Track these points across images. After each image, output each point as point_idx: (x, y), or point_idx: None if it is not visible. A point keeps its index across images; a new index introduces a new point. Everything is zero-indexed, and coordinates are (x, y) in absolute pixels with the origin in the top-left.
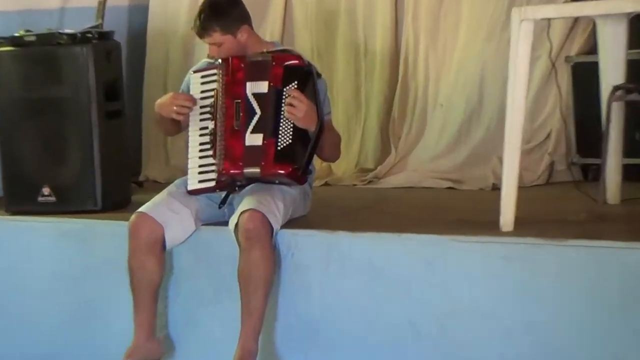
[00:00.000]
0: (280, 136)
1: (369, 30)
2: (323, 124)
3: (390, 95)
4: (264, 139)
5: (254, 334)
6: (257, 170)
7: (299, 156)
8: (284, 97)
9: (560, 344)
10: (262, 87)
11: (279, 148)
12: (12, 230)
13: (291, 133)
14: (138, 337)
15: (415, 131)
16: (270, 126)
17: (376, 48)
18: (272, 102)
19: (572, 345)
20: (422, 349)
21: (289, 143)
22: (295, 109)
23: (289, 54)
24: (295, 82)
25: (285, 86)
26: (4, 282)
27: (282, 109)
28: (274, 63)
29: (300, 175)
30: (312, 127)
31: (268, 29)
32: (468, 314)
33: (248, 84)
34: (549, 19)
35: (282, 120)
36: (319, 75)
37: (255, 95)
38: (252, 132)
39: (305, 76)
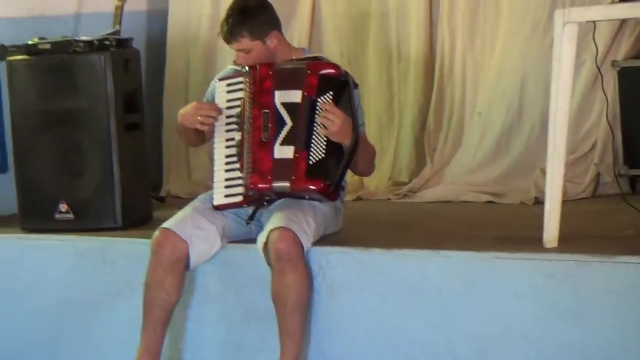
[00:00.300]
0: (312, 149)
1: (402, 33)
2: (358, 139)
3: (425, 104)
4: (295, 151)
5: (295, 357)
6: (287, 184)
7: (331, 171)
8: (318, 108)
9: None
10: (295, 96)
11: (310, 162)
12: (27, 250)
13: (324, 147)
14: (141, 358)
15: (452, 142)
16: (302, 138)
17: (410, 52)
18: (305, 113)
19: None
20: None
21: (322, 157)
22: (330, 121)
23: (321, 61)
24: (331, 93)
25: (319, 96)
26: (19, 304)
27: (316, 120)
28: (309, 71)
29: (332, 191)
30: (346, 142)
31: (295, 33)
32: (509, 337)
33: (277, 93)
34: (594, 22)
35: (315, 133)
36: (355, 85)
37: (285, 104)
38: (282, 144)
39: (341, 86)
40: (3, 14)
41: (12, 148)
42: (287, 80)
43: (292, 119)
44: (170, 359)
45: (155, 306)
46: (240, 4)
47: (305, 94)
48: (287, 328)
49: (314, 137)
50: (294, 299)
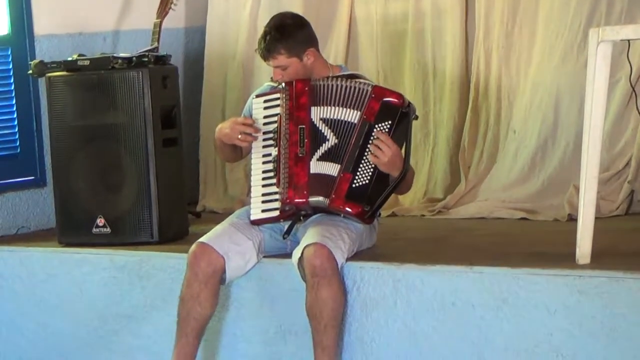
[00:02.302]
0: (358, 174)
1: (438, 51)
2: (407, 172)
3: (460, 121)
4: (340, 171)
5: None
6: (325, 200)
7: (372, 198)
8: (373, 134)
9: None
10: (351, 115)
11: (354, 185)
12: (64, 263)
13: (370, 173)
14: None
15: (487, 159)
16: (350, 160)
17: (446, 69)
18: (359, 136)
19: None
20: None
21: (365, 183)
22: (381, 152)
23: (364, 80)
24: (389, 122)
25: (377, 123)
26: (56, 317)
27: (368, 147)
28: (373, 95)
29: (369, 216)
30: (394, 174)
31: (332, 50)
32: (541, 353)
33: (313, 109)
34: (629, 40)
35: (364, 158)
36: (415, 117)
37: (327, 120)
38: (320, 159)
39: (400, 117)
40: (43, 31)
41: (51, 163)
42: (337, 97)
43: (337, 137)
44: None
45: (190, 319)
46: (277, 21)
47: (365, 116)
48: (321, 342)
49: (362, 162)
50: (329, 313)
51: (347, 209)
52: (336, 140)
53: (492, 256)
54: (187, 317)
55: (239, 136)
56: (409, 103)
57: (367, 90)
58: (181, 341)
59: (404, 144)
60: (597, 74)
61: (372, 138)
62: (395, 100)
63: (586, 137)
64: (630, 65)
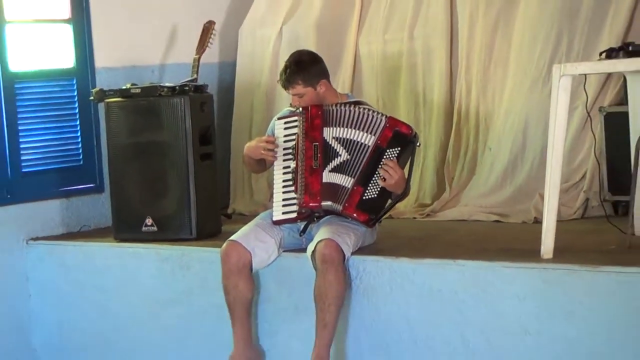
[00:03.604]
0: (369, 189)
1: (428, 83)
2: (407, 191)
3: (445, 141)
4: (354, 184)
5: (327, 345)
6: (339, 207)
7: (377, 209)
8: (384, 157)
9: (594, 358)
10: (366, 138)
11: (364, 198)
12: (119, 256)
13: (378, 190)
14: (237, 347)
15: (467, 171)
16: (362, 176)
17: (434, 98)
18: (371, 157)
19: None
20: None
21: (374, 197)
22: (389, 175)
23: (366, 106)
24: (398, 149)
25: (389, 148)
26: (112, 300)
27: (379, 168)
28: (387, 125)
29: (372, 223)
30: (397, 192)
31: (340, 80)
32: (513, 331)
33: (325, 129)
34: (585, 75)
35: (375, 177)
36: (419, 144)
37: (340, 139)
38: (333, 171)
39: (407, 144)
40: (103, 64)
41: (108, 173)
42: (350, 120)
43: (350, 154)
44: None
45: (236, 304)
46: (296, 57)
47: (379, 142)
48: (323, 319)
49: (373, 179)
50: (333, 294)
51: (355, 215)
52: (348, 157)
53: (472, 252)
54: (234, 304)
55: (263, 152)
56: (416, 133)
57: (382, 120)
58: (236, 323)
59: (408, 169)
60: (559, 101)
61: (382, 162)
62: (406, 131)
63: (550, 153)
64: (587, 95)
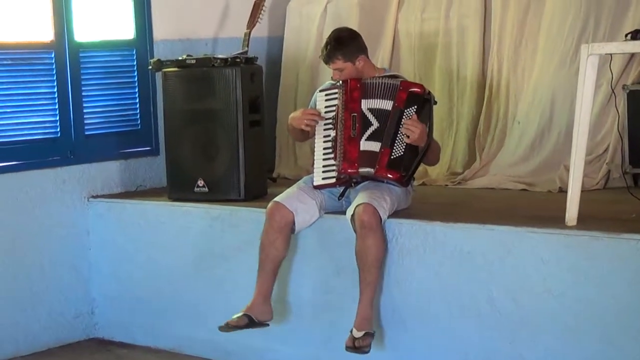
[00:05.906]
0: (395, 148)
1: (462, 59)
2: (430, 144)
3: (477, 114)
4: (381, 147)
5: (370, 302)
6: (372, 170)
7: (407, 165)
8: (404, 117)
9: (610, 319)
10: (386, 104)
11: (392, 157)
12: (173, 214)
13: (404, 147)
14: (256, 298)
15: (497, 143)
16: (388, 138)
17: (467, 75)
18: (393, 119)
19: (620, 319)
20: (499, 320)
21: (401, 154)
22: (411, 131)
23: (401, 79)
24: (415, 107)
25: (406, 108)
26: (166, 256)
27: (401, 127)
28: (401, 88)
29: (406, 180)
30: (421, 145)
31: (379, 56)
32: (537, 292)
33: (363, 101)
34: (611, 54)
35: (398, 136)
36: (435, 102)
37: (372, 110)
38: (367, 139)
39: (423, 102)
40: (160, 36)
41: (164, 137)
42: (378, 91)
43: (379, 122)
44: (278, 299)
45: (268, 260)
46: (336, 34)
47: (396, 104)
48: (365, 279)
49: (397, 139)
50: (372, 256)
51: (389, 175)
52: (378, 124)
53: (500, 217)
54: (266, 258)
55: (306, 121)
56: (429, 92)
57: (396, 85)
58: (262, 277)
59: (428, 122)
60: (587, 79)
61: (403, 120)
62: (418, 90)
63: (576, 127)
64: (612, 73)
